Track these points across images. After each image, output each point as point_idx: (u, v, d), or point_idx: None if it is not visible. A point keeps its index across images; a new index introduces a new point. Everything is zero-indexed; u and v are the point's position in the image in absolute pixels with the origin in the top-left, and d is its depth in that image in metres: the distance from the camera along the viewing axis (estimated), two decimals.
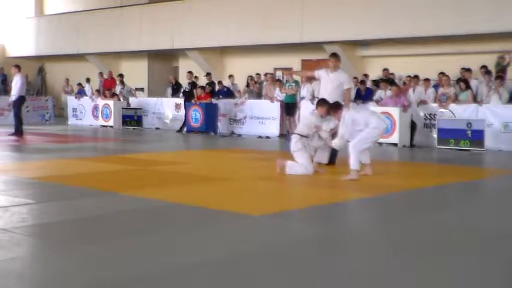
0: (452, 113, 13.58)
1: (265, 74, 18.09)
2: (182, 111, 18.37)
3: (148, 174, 8.67)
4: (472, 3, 15.57)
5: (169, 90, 20.81)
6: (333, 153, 9.39)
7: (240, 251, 4.52)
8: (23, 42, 27.48)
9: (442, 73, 14.67)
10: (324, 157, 9.13)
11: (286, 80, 16.89)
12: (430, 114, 13.94)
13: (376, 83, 16.44)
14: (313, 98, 13.78)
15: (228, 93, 18.52)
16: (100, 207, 6.14)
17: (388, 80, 15.74)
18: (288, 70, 18.58)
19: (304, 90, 15.36)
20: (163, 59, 24.55)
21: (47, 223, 5.45)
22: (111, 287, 3.70)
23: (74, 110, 21.82)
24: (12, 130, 15.37)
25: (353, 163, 8.14)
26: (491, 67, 14.76)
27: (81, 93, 22.32)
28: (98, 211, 5.97)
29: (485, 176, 9.73)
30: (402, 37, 16.95)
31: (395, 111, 13.61)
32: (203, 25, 20.64)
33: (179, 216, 5.89)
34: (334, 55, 9.88)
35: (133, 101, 20.48)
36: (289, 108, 15.76)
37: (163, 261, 4.18)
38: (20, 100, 15.45)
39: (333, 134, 8.78)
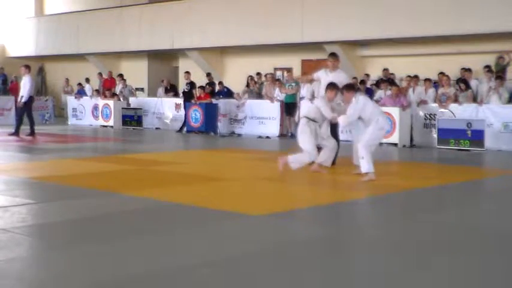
0: (452, 113, 13.58)
1: (266, 75, 18.09)
2: (182, 111, 18.37)
3: (148, 174, 8.67)
4: (472, 3, 15.56)
5: (160, 90, 20.89)
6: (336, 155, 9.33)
7: (240, 251, 4.52)
8: (23, 42, 27.47)
9: (442, 73, 14.67)
10: (328, 159, 8.89)
11: (286, 80, 16.89)
12: (430, 114, 13.94)
13: (376, 83, 16.44)
14: (313, 97, 13.72)
15: (228, 93, 18.52)
16: (100, 207, 6.14)
17: (388, 80, 15.74)
18: (288, 70, 18.58)
19: (304, 90, 15.33)
20: (163, 59, 24.54)
21: (47, 223, 5.45)
22: (111, 287, 3.70)
23: (74, 110, 21.82)
24: (13, 130, 15.38)
25: (368, 167, 7.98)
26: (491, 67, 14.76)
27: (81, 93, 22.32)
28: (98, 211, 5.97)
29: (485, 176, 9.72)
30: (402, 37, 16.94)
31: (395, 111, 13.61)
32: (203, 25, 20.63)
33: (179, 216, 5.88)
34: (333, 55, 9.87)
35: (133, 101, 20.47)
36: (289, 108, 15.76)
37: (163, 261, 4.18)
38: (30, 100, 15.53)
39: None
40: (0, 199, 6.44)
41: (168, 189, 7.36)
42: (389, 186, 7.85)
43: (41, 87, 28.05)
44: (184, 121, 17.89)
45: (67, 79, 24.55)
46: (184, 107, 18.00)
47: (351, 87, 8.53)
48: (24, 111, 15.39)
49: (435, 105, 13.95)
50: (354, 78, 16.47)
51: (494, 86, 13.55)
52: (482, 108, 13.25)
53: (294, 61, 20.10)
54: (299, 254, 4.51)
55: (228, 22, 20.00)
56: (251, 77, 18.50)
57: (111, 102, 19.78)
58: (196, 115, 17.39)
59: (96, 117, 20.59)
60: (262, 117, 16.76)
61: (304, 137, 8.50)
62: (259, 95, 17.91)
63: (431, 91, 14.45)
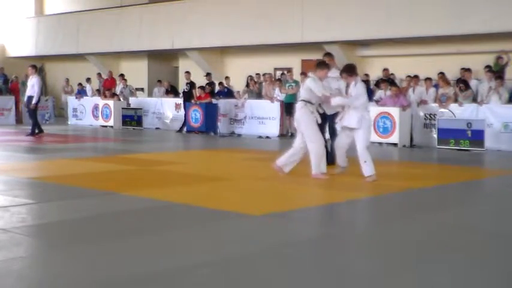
0: (452, 113, 13.58)
1: (264, 75, 18.09)
2: (182, 111, 18.37)
3: (148, 174, 8.68)
4: (472, 3, 15.56)
5: (157, 90, 20.90)
6: (333, 153, 9.33)
7: (240, 251, 4.52)
8: (23, 42, 27.47)
9: (441, 73, 14.66)
10: (287, 165, 8.43)
11: (286, 80, 16.89)
12: (430, 114, 13.94)
13: (376, 83, 16.43)
14: None
15: (228, 93, 18.52)
16: (100, 207, 6.14)
17: (388, 80, 15.74)
18: (288, 70, 18.56)
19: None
20: (163, 59, 24.54)
21: (47, 223, 5.45)
22: (111, 287, 3.70)
23: (74, 110, 21.82)
24: (29, 130, 15.61)
25: (371, 169, 7.99)
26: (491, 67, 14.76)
27: (81, 93, 22.33)
28: (98, 211, 5.97)
29: (485, 176, 9.72)
30: (402, 37, 16.94)
31: (395, 111, 13.62)
32: (203, 25, 20.63)
33: (179, 216, 5.89)
34: (328, 54, 9.87)
35: (133, 101, 20.48)
36: (289, 108, 15.75)
37: (163, 261, 4.18)
38: (38, 101, 15.68)
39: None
40: (0, 199, 6.44)
41: (168, 189, 7.36)
42: (389, 186, 7.85)
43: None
44: (184, 121, 17.89)
45: (67, 79, 24.55)
46: (184, 107, 18.01)
47: (352, 70, 8.25)
48: (34, 110, 15.56)
49: (435, 105, 13.96)
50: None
51: (494, 86, 13.55)
52: (482, 108, 13.25)
53: (294, 61, 20.10)
54: (299, 254, 4.51)
55: (228, 22, 20.00)
56: (251, 77, 18.50)
57: (111, 102, 19.78)
58: (196, 115, 17.39)
59: (96, 117, 20.60)
60: (262, 117, 16.76)
61: (307, 127, 8.20)
62: (259, 95, 17.91)
63: (431, 91, 14.45)
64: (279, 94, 16.58)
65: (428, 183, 8.25)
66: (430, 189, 7.75)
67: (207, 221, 5.59)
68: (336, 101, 8.25)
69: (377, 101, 14.70)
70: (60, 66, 27.43)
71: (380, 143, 13.79)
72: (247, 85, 18.48)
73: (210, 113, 17.15)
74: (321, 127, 8.67)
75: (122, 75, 21.45)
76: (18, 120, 21.02)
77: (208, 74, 19.48)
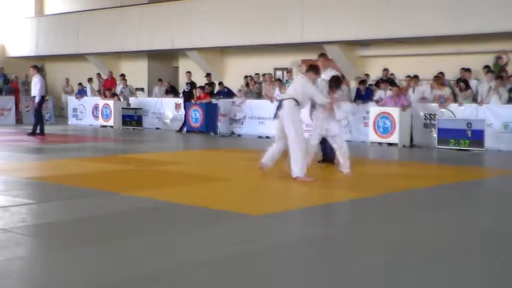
0: (452, 113, 13.58)
1: (264, 75, 18.09)
2: (182, 111, 18.37)
3: (148, 174, 8.68)
4: (471, 3, 15.55)
5: (157, 90, 20.90)
6: (332, 152, 9.31)
7: (240, 251, 4.52)
8: (23, 42, 27.46)
9: (436, 76, 14.57)
10: (269, 161, 8.39)
11: (286, 80, 16.88)
12: (430, 114, 13.94)
13: (376, 83, 16.43)
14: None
15: (228, 93, 18.52)
16: (100, 207, 6.14)
17: (388, 80, 15.74)
18: (288, 70, 18.56)
19: None
20: (163, 59, 24.54)
21: (47, 223, 5.45)
22: (111, 287, 3.70)
23: (74, 110, 21.82)
24: (30, 130, 15.67)
25: (348, 165, 8.50)
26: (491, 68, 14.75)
27: (81, 93, 22.33)
28: (98, 211, 5.97)
29: (485, 176, 9.72)
30: (402, 37, 16.93)
31: (395, 111, 13.62)
32: (203, 25, 20.63)
33: (179, 216, 5.89)
34: (322, 55, 9.87)
35: (133, 101, 20.48)
36: None
37: (163, 261, 4.18)
38: (42, 100, 15.84)
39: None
40: (0, 199, 6.45)
41: (168, 189, 7.36)
42: (389, 186, 7.86)
43: None
44: (184, 121, 17.89)
45: (67, 79, 24.54)
46: (184, 107, 18.01)
47: (338, 82, 8.86)
48: (39, 111, 15.69)
49: (435, 105, 13.95)
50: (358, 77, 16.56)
51: (494, 86, 13.55)
52: (482, 108, 13.25)
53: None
54: (299, 254, 4.51)
55: (228, 22, 20.00)
56: (251, 77, 18.49)
57: (111, 102, 19.78)
58: (196, 115, 17.39)
59: (96, 117, 20.60)
60: (262, 117, 16.76)
61: (295, 126, 8.05)
62: (259, 95, 17.91)
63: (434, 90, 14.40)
64: (279, 94, 16.57)
65: (428, 183, 8.26)
66: (430, 189, 7.75)
67: (207, 220, 5.59)
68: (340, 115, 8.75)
69: (377, 101, 14.70)
70: (60, 66, 27.43)
71: (380, 143, 13.80)
72: (247, 85, 18.48)
73: (210, 113, 17.15)
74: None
75: (122, 75, 21.45)
76: (18, 120, 21.03)
77: (208, 75, 19.48)
